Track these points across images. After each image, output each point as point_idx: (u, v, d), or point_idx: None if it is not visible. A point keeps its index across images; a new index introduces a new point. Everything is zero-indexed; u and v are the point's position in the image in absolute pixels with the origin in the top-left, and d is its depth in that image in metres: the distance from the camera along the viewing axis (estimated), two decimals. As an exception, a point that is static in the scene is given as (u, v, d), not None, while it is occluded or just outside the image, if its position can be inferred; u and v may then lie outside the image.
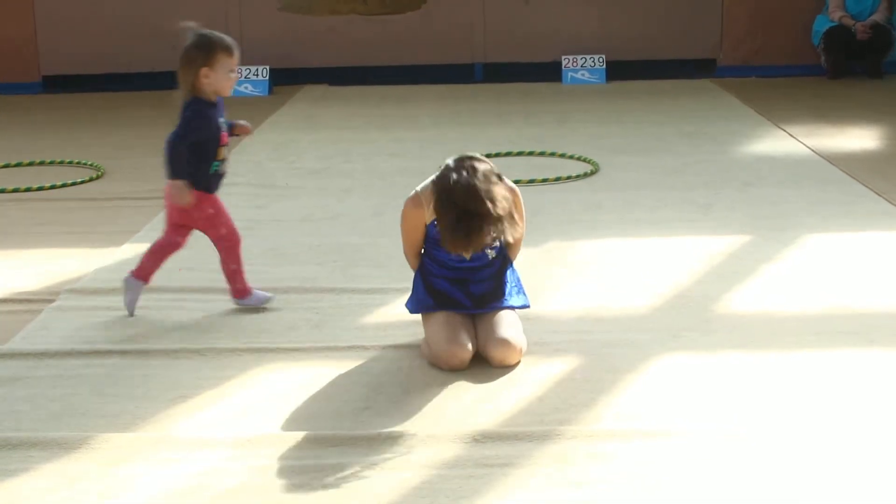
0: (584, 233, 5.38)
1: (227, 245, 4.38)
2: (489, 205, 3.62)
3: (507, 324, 3.86)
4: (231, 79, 4.22)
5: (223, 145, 4.28)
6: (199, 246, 5.24)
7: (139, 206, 6.07)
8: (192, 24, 4.21)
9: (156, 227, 5.60)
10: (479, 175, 3.67)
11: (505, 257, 3.99)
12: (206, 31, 4.21)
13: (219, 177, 4.33)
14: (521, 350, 3.83)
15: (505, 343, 3.79)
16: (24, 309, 4.48)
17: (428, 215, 3.88)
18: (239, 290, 4.41)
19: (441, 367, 3.77)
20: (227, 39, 4.20)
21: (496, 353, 3.79)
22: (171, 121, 4.25)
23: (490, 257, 3.94)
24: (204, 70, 4.15)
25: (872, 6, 10.19)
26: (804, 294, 4.48)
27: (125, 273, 4.39)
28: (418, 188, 3.91)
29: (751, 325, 4.16)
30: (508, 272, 4.00)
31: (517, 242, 4.02)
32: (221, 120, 4.26)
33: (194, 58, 4.16)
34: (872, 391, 3.57)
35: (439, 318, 3.86)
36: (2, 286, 4.77)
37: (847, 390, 3.58)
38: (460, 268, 3.91)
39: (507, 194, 3.74)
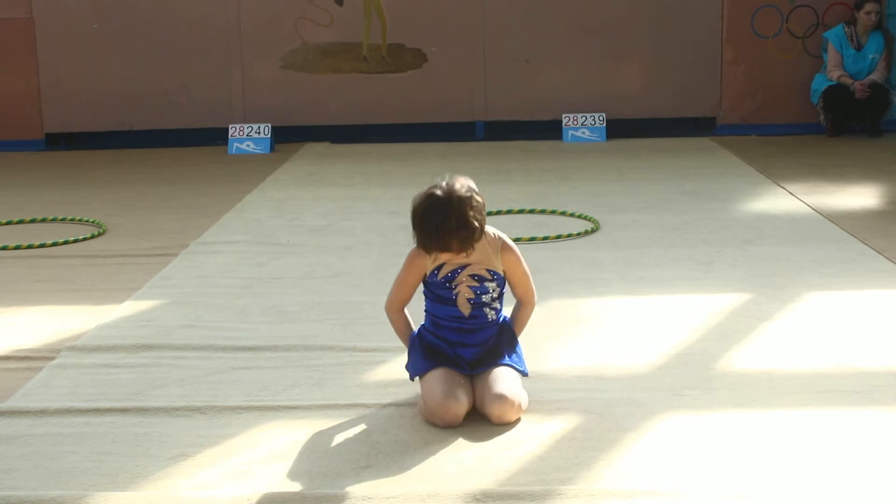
0: (585, 291, 5.38)
1: None
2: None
3: (505, 380, 3.83)
4: None
5: None
6: (197, 303, 5.26)
7: (141, 264, 6.07)
8: None
9: (157, 285, 5.62)
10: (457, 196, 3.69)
11: (503, 326, 3.99)
12: None
13: None
14: (519, 406, 3.80)
15: (502, 399, 3.76)
16: (25, 366, 4.47)
17: (429, 265, 3.90)
18: None
19: (436, 423, 3.75)
20: None
21: (494, 410, 3.76)
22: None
23: (489, 318, 3.94)
24: None
25: (870, 66, 10.28)
26: (805, 352, 4.48)
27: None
28: None
29: (752, 384, 4.14)
30: (507, 339, 3.99)
31: (529, 302, 4.02)
32: None
33: None
34: (874, 450, 3.55)
35: (436, 373, 3.84)
36: (2, 343, 4.76)
37: (849, 449, 3.56)
38: (458, 328, 3.92)
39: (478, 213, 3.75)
